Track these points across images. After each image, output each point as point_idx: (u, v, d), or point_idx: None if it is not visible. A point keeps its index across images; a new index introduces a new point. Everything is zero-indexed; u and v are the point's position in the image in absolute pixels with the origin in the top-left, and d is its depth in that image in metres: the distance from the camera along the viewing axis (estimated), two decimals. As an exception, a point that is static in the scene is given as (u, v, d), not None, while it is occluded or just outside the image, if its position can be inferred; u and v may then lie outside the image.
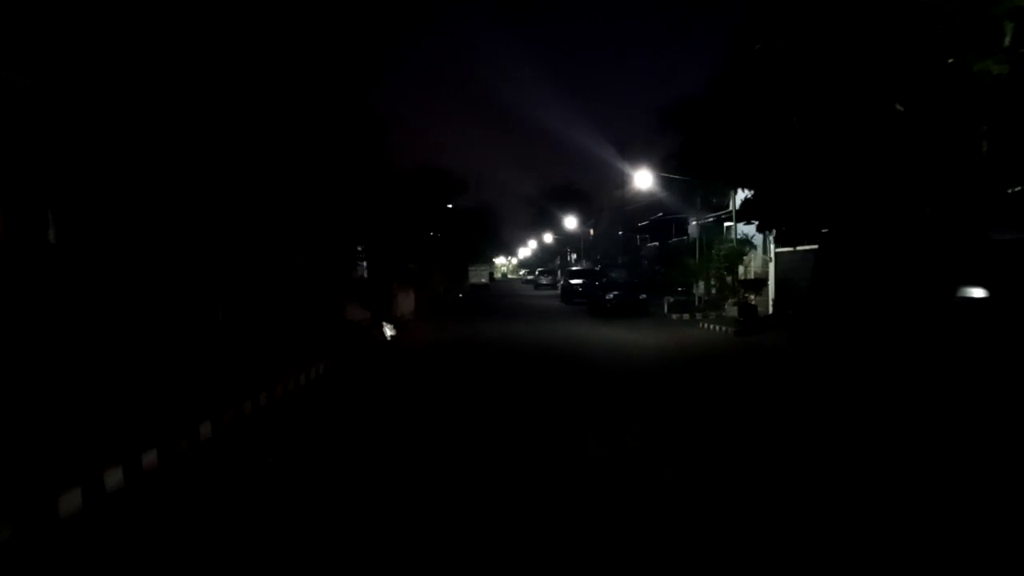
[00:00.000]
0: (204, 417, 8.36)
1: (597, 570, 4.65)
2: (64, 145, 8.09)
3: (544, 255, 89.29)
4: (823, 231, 14.58)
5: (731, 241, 24.35)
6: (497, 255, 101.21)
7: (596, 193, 69.91)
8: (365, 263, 22.66)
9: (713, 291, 26.60)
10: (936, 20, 10.48)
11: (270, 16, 11.71)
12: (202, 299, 10.96)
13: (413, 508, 5.82)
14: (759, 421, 8.91)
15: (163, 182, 9.46)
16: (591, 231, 65.77)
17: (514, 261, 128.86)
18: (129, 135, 8.84)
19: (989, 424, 8.08)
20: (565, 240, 73.56)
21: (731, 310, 23.66)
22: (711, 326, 21.61)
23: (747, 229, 27.25)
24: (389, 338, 19.35)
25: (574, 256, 70.13)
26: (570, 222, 63.93)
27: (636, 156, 34.03)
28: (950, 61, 10.52)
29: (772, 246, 24.51)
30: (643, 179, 26.97)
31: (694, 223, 27.76)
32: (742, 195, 22.13)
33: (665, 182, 27.38)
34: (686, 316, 25.41)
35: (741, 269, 23.42)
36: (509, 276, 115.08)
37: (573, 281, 39.05)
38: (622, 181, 50.96)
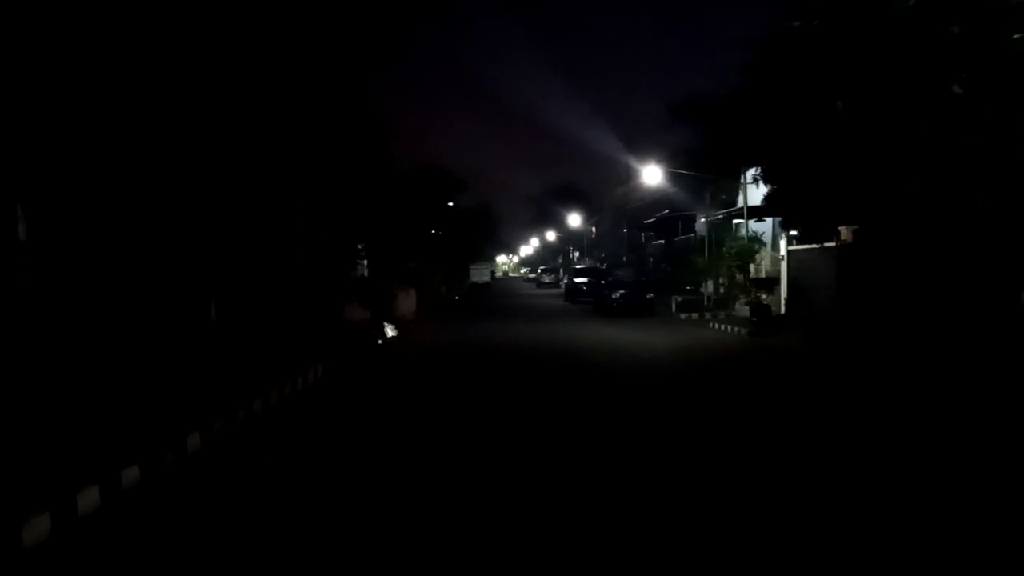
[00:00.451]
0: (192, 427, 7.73)
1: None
2: (34, 132, 7.46)
3: (546, 253, 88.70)
4: (854, 227, 13.88)
5: (742, 238, 23.70)
6: (498, 254, 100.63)
7: (598, 191, 69.42)
8: (365, 262, 22.02)
9: (721, 290, 25.96)
10: None
11: (264, 2, 11.10)
12: (192, 297, 10.31)
13: (417, 534, 5.19)
14: (792, 435, 8.28)
15: (148, 172, 8.82)
16: (593, 229, 65.16)
17: (515, 260, 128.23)
18: (108, 119, 8.21)
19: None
20: (567, 238, 72.94)
21: (742, 310, 23.02)
22: (722, 326, 20.99)
23: (757, 227, 26.62)
24: (390, 339, 18.73)
25: (576, 254, 69.50)
26: (573, 219, 63.29)
27: (642, 153, 33.48)
28: (1016, 37, 9.73)
29: (783, 244, 23.90)
30: (652, 175, 26.34)
31: (703, 220, 27.10)
32: (760, 191, 21.53)
33: (674, 178, 26.76)
34: (695, 316, 24.78)
35: (752, 268, 22.77)
36: (510, 275, 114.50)
37: (577, 280, 38.42)
38: (625, 178, 50.38)
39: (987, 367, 11.14)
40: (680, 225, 35.88)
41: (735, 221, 27.93)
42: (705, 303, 25.86)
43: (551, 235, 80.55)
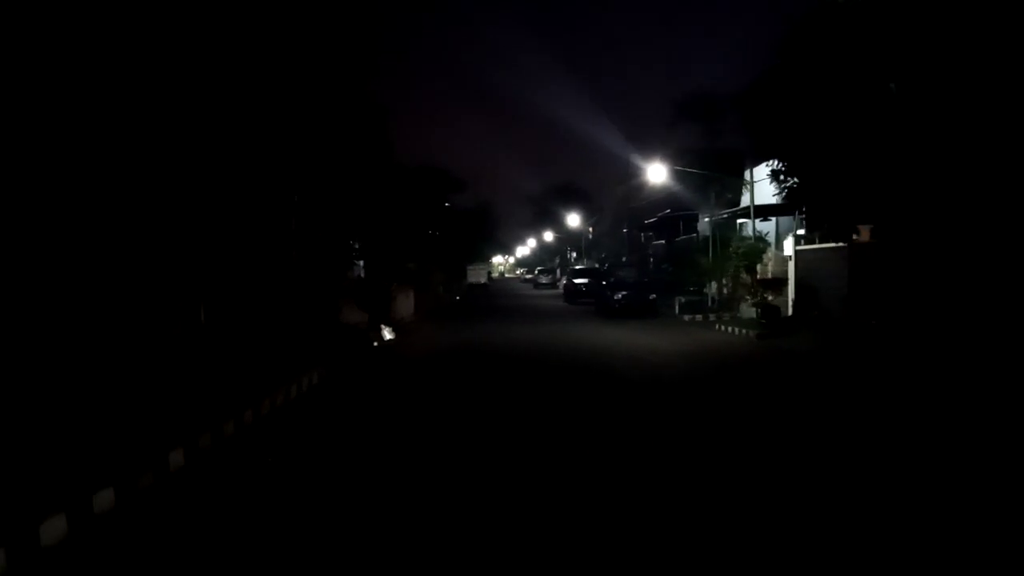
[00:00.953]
0: (176, 443, 7.13)
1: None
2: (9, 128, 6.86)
3: (543, 254, 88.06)
4: (870, 226, 13.22)
5: (748, 238, 23.16)
6: (494, 254, 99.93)
7: (597, 192, 68.95)
8: (362, 262, 21.40)
9: (725, 291, 25.42)
10: None
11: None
12: (180, 299, 9.69)
13: (420, 565, 4.61)
14: (817, 444, 7.70)
15: (123, 161, 8.19)
16: (591, 229, 64.56)
17: (511, 260, 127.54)
18: (88, 108, 7.60)
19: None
20: (566, 238, 72.33)
21: (747, 311, 22.48)
22: (729, 328, 20.42)
23: (761, 226, 26.13)
24: (388, 342, 18.12)
25: (574, 255, 68.90)
26: (573, 219, 62.67)
27: (646, 151, 32.83)
28: None
29: (789, 243, 23.38)
30: (656, 173, 25.78)
31: (706, 220, 26.58)
32: (768, 189, 20.97)
33: (677, 177, 26.21)
34: (699, 317, 24.24)
35: (759, 268, 22.21)
36: (507, 275, 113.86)
37: (577, 280, 37.93)
38: (625, 177, 49.82)
39: (1010, 372, 10.61)
40: (682, 225, 35.38)
41: (739, 221, 27.44)
42: (709, 304, 25.31)
43: (549, 235, 79.90)
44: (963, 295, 13.33)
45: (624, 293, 27.24)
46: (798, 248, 20.96)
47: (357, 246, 18.87)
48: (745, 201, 27.08)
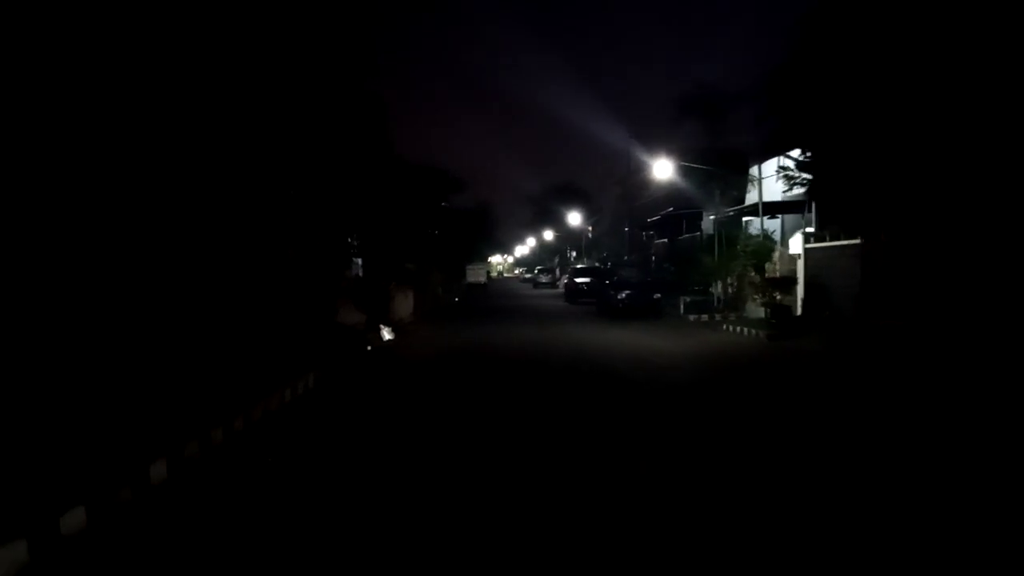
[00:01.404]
0: (159, 453, 6.58)
1: None
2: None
3: (542, 253, 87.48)
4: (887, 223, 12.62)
5: (756, 236, 22.64)
6: (493, 254, 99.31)
7: (596, 191, 68.13)
8: (360, 261, 20.81)
9: (730, 290, 24.90)
10: None
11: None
12: (165, 297, 9.11)
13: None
14: (844, 453, 7.17)
15: (104, 151, 7.62)
16: (590, 229, 64.00)
17: (510, 259, 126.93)
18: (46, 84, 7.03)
19: None
20: (565, 238, 71.78)
21: (754, 311, 21.97)
22: (737, 328, 19.90)
23: (767, 224, 25.59)
24: (387, 344, 17.57)
25: (573, 254, 68.35)
26: (574, 218, 62.11)
27: (649, 149, 32.30)
28: None
29: (796, 241, 22.86)
30: (663, 169, 25.25)
31: (711, 218, 26.05)
32: (775, 186, 20.44)
33: (682, 175, 25.70)
34: (704, 317, 23.72)
35: (767, 266, 21.68)
36: (505, 275, 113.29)
37: (578, 280, 37.42)
38: (625, 176, 49.26)
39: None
40: (684, 223, 34.85)
41: (745, 219, 26.90)
42: (715, 304, 24.80)
43: (548, 234, 79.33)
44: (984, 294, 12.84)
45: (627, 293, 26.72)
46: (807, 246, 20.45)
47: (356, 244, 18.26)
48: (750, 199, 26.57)
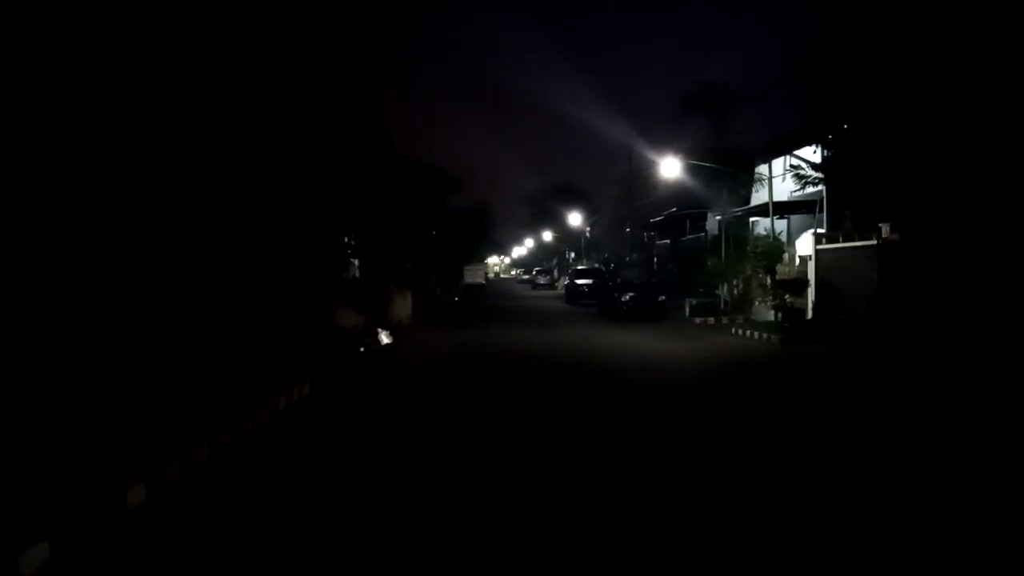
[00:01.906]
0: (137, 475, 5.91)
1: None
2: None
3: (540, 254, 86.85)
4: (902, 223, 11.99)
5: (764, 237, 22.05)
6: (490, 255, 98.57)
7: (595, 191, 67.50)
8: (357, 261, 20.13)
9: (736, 292, 24.32)
10: None
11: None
12: (150, 300, 8.43)
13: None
14: (882, 463, 6.54)
15: (89, 144, 6.96)
16: (588, 230, 63.35)
17: (507, 260, 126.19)
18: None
19: None
20: (564, 238, 71.13)
21: (763, 313, 21.38)
22: (746, 332, 19.29)
23: (776, 224, 25.02)
24: (385, 347, 16.90)
25: (572, 255, 67.70)
26: (573, 218, 61.47)
27: (648, 149, 31.76)
28: None
29: (805, 242, 22.27)
30: (670, 167, 24.66)
31: (717, 218, 25.45)
32: (782, 186, 19.88)
33: (687, 174, 25.11)
34: (711, 320, 23.13)
35: (779, 268, 21.09)
36: (502, 276, 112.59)
37: (579, 281, 36.84)
38: (626, 176, 48.64)
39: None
40: (688, 224, 34.29)
41: (751, 219, 26.34)
42: (722, 306, 24.20)
43: (547, 235, 78.66)
44: (1008, 297, 12.28)
45: (631, 295, 26.12)
46: (819, 247, 19.83)
47: (353, 243, 17.57)
48: (755, 200, 26.01)
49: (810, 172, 18.80)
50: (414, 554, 4.78)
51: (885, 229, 16.32)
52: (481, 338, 19.82)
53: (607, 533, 5.07)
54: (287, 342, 12.01)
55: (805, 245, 22.04)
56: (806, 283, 19.85)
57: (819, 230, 20.63)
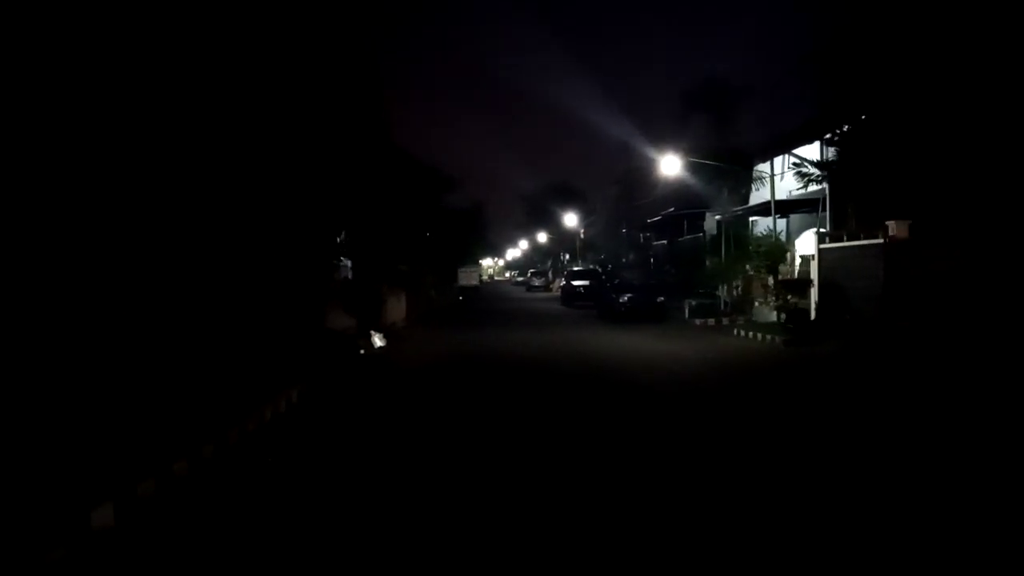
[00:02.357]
0: (105, 495, 5.40)
1: None
2: None
3: (535, 256, 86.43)
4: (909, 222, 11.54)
5: (765, 236, 21.62)
6: (484, 256, 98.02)
7: (592, 192, 67.14)
8: (350, 262, 19.59)
9: (736, 293, 23.90)
10: None
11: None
12: (125, 301, 7.91)
13: None
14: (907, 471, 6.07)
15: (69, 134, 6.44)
16: (582, 231, 62.94)
17: (501, 262, 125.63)
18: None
19: None
20: (559, 240, 70.72)
21: (764, 314, 20.96)
22: (749, 333, 18.85)
23: (771, 224, 24.60)
24: (379, 350, 16.39)
25: (567, 257, 67.27)
26: (569, 219, 61.05)
27: (648, 148, 31.30)
28: None
29: (806, 241, 21.87)
30: (670, 165, 24.23)
31: (717, 218, 25.01)
32: (782, 185, 19.48)
33: (688, 172, 24.70)
34: (711, 321, 22.70)
35: (782, 268, 20.66)
36: (496, 278, 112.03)
37: (575, 283, 36.43)
38: (622, 176, 48.28)
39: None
40: (685, 224, 33.85)
41: (751, 218, 25.92)
42: (723, 307, 23.77)
43: (542, 236, 78.20)
44: (1020, 297, 11.87)
45: (630, 296, 25.68)
46: (822, 246, 19.42)
47: (345, 242, 17.01)
48: (755, 198, 25.61)
49: (813, 170, 18.39)
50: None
51: (892, 227, 15.91)
52: (478, 340, 19.33)
53: (610, 543, 4.58)
54: (275, 346, 11.48)
55: (805, 244, 21.63)
56: (809, 283, 19.43)
57: (822, 229, 20.22)
